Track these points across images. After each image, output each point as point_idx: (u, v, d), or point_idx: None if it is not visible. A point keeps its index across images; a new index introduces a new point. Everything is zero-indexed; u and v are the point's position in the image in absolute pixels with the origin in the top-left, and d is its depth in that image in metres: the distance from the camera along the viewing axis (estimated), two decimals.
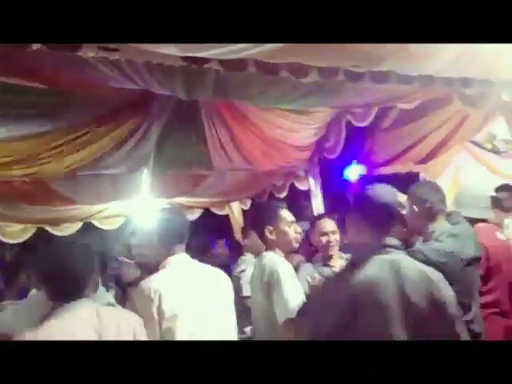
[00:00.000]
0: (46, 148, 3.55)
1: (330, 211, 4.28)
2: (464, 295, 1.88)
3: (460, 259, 1.92)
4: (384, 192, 1.61)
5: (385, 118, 4.27)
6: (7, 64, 2.12)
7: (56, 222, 5.92)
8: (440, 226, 2.04)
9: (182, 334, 1.76)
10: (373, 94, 3.01)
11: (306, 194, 5.52)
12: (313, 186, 5.35)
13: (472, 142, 4.84)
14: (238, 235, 7.22)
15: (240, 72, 2.20)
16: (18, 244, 5.96)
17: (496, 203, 3.55)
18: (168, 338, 1.73)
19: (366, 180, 4.87)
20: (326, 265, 2.78)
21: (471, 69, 2.40)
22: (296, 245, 2.24)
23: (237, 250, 6.34)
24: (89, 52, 1.82)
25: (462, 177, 4.81)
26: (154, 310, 1.73)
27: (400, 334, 1.38)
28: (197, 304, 1.86)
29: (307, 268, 2.83)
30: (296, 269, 3.35)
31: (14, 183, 4.20)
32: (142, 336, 1.55)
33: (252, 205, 6.73)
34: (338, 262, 2.76)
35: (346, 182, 4.92)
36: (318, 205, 5.24)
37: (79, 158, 3.84)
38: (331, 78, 2.38)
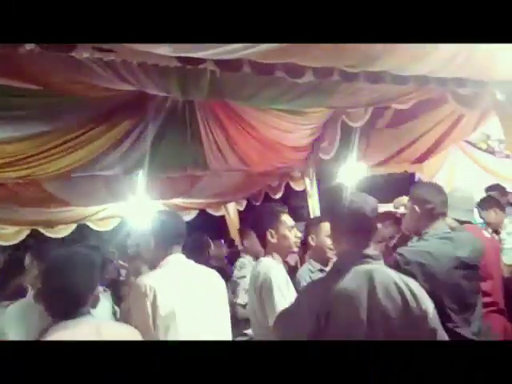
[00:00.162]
0: (40, 150, 3.53)
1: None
2: (455, 298, 1.86)
3: (447, 260, 1.89)
4: (362, 201, 1.61)
5: (380, 118, 4.28)
6: (0, 65, 2.10)
7: (50, 224, 5.90)
8: (438, 227, 2.02)
9: (176, 331, 1.77)
10: (368, 94, 3.02)
11: (302, 195, 5.53)
12: (308, 186, 5.36)
13: (467, 142, 4.88)
14: (233, 236, 7.23)
15: (235, 72, 2.20)
16: (11, 246, 5.93)
17: (493, 203, 3.58)
18: (161, 334, 1.74)
19: (360, 180, 4.89)
20: (322, 270, 2.79)
21: (465, 69, 2.41)
22: (295, 249, 2.28)
23: (233, 251, 6.35)
24: (83, 53, 1.82)
25: (456, 177, 4.84)
26: (149, 305, 1.75)
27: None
28: (191, 302, 1.87)
29: (305, 272, 2.85)
30: (293, 268, 3.35)
31: (7, 185, 4.18)
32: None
33: (249, 206, 6.74)
34: None
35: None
36: (313, 205, 5.24)
37: (74, 159, 3.82)
38: (326, 79, 2.39)
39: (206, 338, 1.80)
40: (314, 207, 5.21)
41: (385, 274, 1.51)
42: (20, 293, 2.55)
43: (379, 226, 2.80)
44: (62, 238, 6.24)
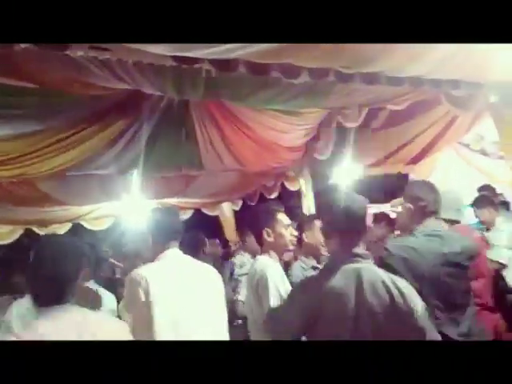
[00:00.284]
0: (35, 148, 3.51)
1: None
2: (441, 296, 1.85)
3: (433, 257, 1.88)
4: (351, 200, 1.62)
5: (375, 119, 4.30)
6: None
7: (44, 223, 5.86)
8: (430, 225, 2.02)
9: (171, 323, 1.80)
10: (363, 95, 3.03)
11: (297, 195, 5.54)
12: (303, 186, 5.37)
13: (460, 143, 4.91)
14: (228, 236, 7.23)
15: (231, 72, 2.20)
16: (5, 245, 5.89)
17: (487, 202, 3.62)
18: (157, 325, 1.77)
19: (355, 181, 4.91)
20: (315, 268, 2.81)
21: (460, 70, 2.43)
22: (291, 247, 2.31)
23: (227, 251, 6.35)
24: (78, 51, 1.81)
25: (450, 178, 4.88)
26: (142, 294, 1.78)
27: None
28: (187, 295, 1.90)
29: (297, 269, 2.86)
30: (287, 264, 3.36)
31: (1, 184, 4.15)
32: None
33: (244, 206, 6.74)
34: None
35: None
36: (308, 205, 5.26)
37: (68, 158, 3.80)
38: (322, 79, 2.39)
39: (202, 332, 1.83)
40: (309, 207, 5.23)
41: (373, 272, 1.53)
42: (16, 290, 2.56)
43: (372, 226, 2.81)
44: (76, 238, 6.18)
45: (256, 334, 2.06)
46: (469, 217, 3.77)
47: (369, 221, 3.08)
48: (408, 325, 1.44)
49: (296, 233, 2.35)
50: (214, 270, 2.13)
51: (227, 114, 3.99)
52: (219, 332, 1.98)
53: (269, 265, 2.12)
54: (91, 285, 3.07)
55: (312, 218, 3.10)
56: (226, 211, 7.25)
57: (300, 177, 5.42)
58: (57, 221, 5.90)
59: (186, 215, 6.75)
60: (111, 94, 3.08)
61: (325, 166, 5.01)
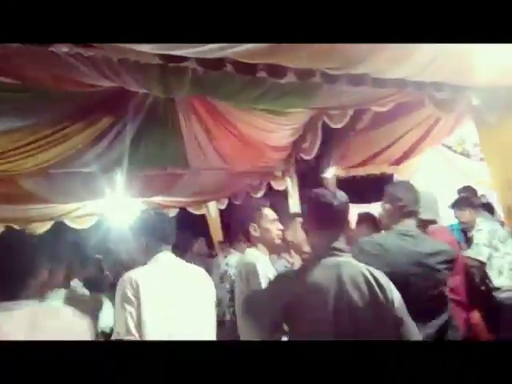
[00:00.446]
0: (18, 145, 3.44)
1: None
2: (407, 295, 1.69)
3: (401, 256, 1.88)
4: (331, 196, 1.63)
5: (360, 120, 4.35)
6: None
7: (26, 221, 5.76)
8: (407, 224, 2.03)
9: (159, 325, 1.79)
10: (349, 96, 3.06)
11: (283, 194, 5.57)
12: (289, 185, 5.40)
13: (443, 144, 5.00)
14: (214, 234, 7.22)
15: (217, 71, 2.20)
16: None
17: (468, 203, 3.69)
18: (146, 327, 1.76)
19: (340, 180, 4.95)
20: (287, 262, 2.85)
21: (443, 73, 2.47)
22: (278, 241, 2.32)
23: (213, 250, 6.34)
24: (62, 47, 1.78)
25: (432, 179, 4.96)
26: (132, 297, 1.77)
27: (341, 335, 1.44)
28: (177, 298, 1.89)
29: (280, 267, 2.88)
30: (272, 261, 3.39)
31: None
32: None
33: (230, 205, 6.74)
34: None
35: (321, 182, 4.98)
36: (294, 204, 5.29)
37: (52, 155, 3.75)
38: (308, 80, 2.41)
39: (189, 335, 1.82)
40: (295, 206, 5.26)
41: (352, 265, 1.55)
42: None
43: (356, 226, 2.83)
44: (38, 236, 6.10)
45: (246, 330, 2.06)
46: (449, 218, 3.84)
47: (353, 221, 3.12)
48: (387, 315, 1.47)
49: (282, 227, 2.34)
50: (206, 274, 2.12)
51: (213, 112, 3.98)
52: (208, 334, 1.97)
53: (257, 256, 2.15)
54: (75, 283, 3.04)
55: (294, 216, 3.12)
56: (212, 210, 7.24)
57: (286, 176, 5.45)
58: (38, 219, 5.81)
59: (171, 214, 6.72)
60: (96, 91, 3.05)
61: (311, 165, 5.05)
